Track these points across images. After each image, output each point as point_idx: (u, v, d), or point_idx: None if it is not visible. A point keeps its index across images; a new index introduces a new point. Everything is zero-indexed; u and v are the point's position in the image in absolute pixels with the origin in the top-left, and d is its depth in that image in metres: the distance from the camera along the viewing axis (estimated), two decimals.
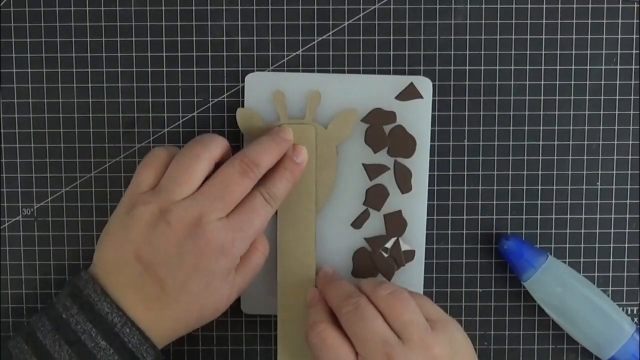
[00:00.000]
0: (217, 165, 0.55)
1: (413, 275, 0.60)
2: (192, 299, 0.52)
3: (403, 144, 0.59)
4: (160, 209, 0.52)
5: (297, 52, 0.60)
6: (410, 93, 0.59)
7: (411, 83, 0.59)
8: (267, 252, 0.57)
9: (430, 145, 0.60)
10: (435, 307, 0.54)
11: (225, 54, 0.60)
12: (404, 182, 0.59)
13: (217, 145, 0.55)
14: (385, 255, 0.60)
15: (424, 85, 0.59)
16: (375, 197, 0.59)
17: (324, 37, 0.60)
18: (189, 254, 0.52)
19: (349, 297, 0.53)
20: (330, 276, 0.58)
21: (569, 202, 0.61)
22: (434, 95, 0.60)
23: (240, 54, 0.60)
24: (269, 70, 0.60)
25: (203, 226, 0.52)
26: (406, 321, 0.52)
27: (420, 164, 0.59)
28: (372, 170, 0.59)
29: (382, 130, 0.59)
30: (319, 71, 0.60)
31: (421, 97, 0.59)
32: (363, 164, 0.59)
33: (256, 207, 0.54)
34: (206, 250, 0.52)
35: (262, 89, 0.59)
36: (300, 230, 0.59)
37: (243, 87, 0.60)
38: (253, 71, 0.60)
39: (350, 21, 0.60)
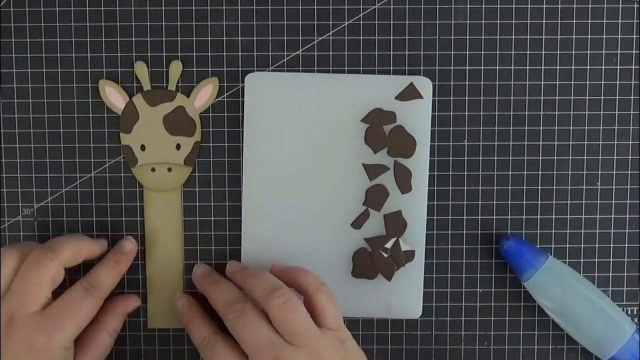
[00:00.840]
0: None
1: (413, 275, 0.60)
2: None
3: (403, 144, 0.59)
4: (7, 318, 0.53)
5: (297, 52, 0.60)
6: (410, 93, 0.59)
7: (411, 83, 0.59)
8: (115, 329, 0.58)
9: (431, 145, 0.60)
10: (335, 315, 0.55)
11: (225, 54, 0.60)
12: (404, 182, 0.59)
13: (66, 249, 0.56)
14: (385, 255, 0.60)
15: (424, 85, 0.59)
16: (375, 197, 0.59)
17: (324, 37, 0.60)
18: (7, 355, 0.53)
19: (235, 302, 0.55)
20: (210, 276, 0.59)
21: (569, 202, 0.61)
22: (434, 95, 0.60)
23: (240, 54, 0.60)
24: (269, 70, 0.60)
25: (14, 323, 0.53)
26: (296, 328, 0.53)
27: (420, 164, 0.59)
28: (372, 171, 0.59)
29: (382, 131, 0.59)
30: (319, 71, 0.60)
31: (421, 97, 0.59)
32: (363, 164, 0.59)
33: (75, 298, 0.55)
34: (21, 351, 0.53)
35: (262, 89, 0.59)
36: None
37: (243, 87, 0.59)
38: (253, 71, 0.60)
39: (350, 21, 0.60)
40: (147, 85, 0.60)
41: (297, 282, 0.56)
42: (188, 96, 0.60)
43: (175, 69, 0.59)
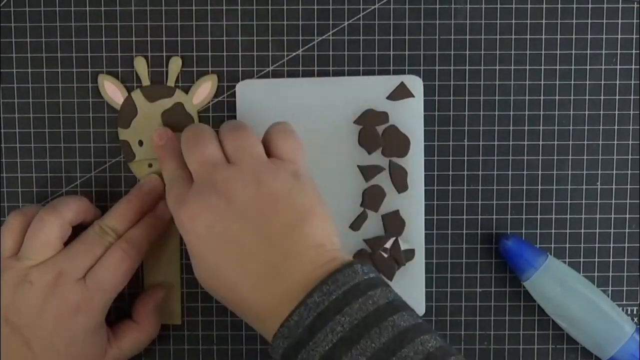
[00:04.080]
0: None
1: (414, 273, 0.60)
2: (59, 358, 0.53)
3: (397, 143, 0.59)
4: (22, 272, 0.53)
5: (297, 52, 0.60)
6: (401, 92, 0.59)
7: (402, 82, 0.59)
8: (153, 331, 0.58)
9: (430, 145, 0.60)
10: (289, 146, 0.53)
11: (225, 54, 0.60)
12: (400, 181, 0.59)
13: (68, 208, 0.55)
14: (385, 255, 0.60)
15: (415, 83, 0.59)
16: (372, 198, 0.59)
17: (324, 37, 0.60)
18: (48, 313, 0.52)
19: (190, 127, 0.54)
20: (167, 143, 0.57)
21: (569, 202, 0.61)
22: (433, 96, 0.60)
23: (240, 54, 0.60)
24: (269, 70, 0.60)
25: (60, 285, 0.52)
26: (241, 146, 0.51)
27: (415, 162, 0.59)
28: (368, 172, 0.59)
29: (375, 131, 0.59)
30: (319, 71, 0.60)
31: (412, 95, 0.59)
32: (358, 166, 0.59)
33: (114, 263, 0.54)
34: (64, 309, 0.52)
35: (253, 97, 0.59)
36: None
37: None
38: (253, 71, 0.60)
39: (350, 21, 0.60)
40: (146, 81, 0.60)
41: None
42: (187, 93, 0.60)
43: (175, 65, 0.59)
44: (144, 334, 0.58)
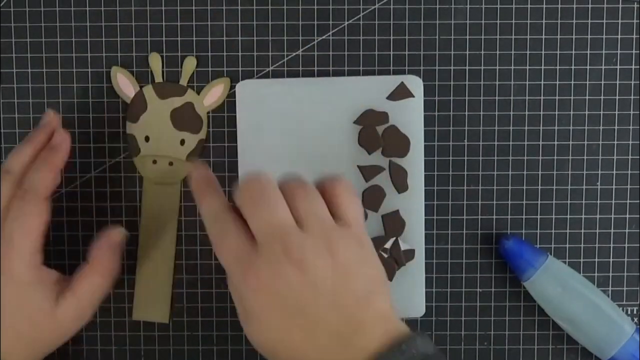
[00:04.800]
0: None
1: (414, 273, 0.60)
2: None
3: (397, 143, 0.59)
4: None
5: (297, 52, 0.60)
6: (401, 92, 0.59)
7: (402, 82, 0.59)
8: (106, 268, 0.55)
9: (430, 145, 0.60)
10: (356, 210, 0.51)
11: (225, 54, 0.60)
12: (400, 181, 0.59)
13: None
14: (386, 255, 0.60)
15: (415, 83, 0.59)
16: (372, 198, 0.59)
17: (324, 37, 0.60)
18: None
19: (252, 180, 0.50)
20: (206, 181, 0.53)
21: (568, 202, 0.61)
22: (433, 96, 0.60)
23: (240, 54, 0.60)
24: (269, 70, 0.60)
25: None
26: (309, 211, 0.48)
27: (415, 162, 0.59)
28: (368, 172, 0.59)
29: (375, 131, 0.59)
30: (319, 71, 0.60)
31: (412, 95, 0.59)
32: (358, 166, 0.59)
33: (14, 209, 0.53)
34: None
35: (253, 97, 0.59)
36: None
37: None
38: (253, 71, 0.60)
39: (350, 21, 0.60)
40: (159, 77, 0.60)
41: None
42: (199, 93, 0.60)
43: (189, 64, 0.60)
44: (99, 276, 0.54)
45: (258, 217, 0.48)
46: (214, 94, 0.60)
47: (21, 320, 0.52)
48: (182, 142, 0.60)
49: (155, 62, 0.60)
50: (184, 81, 0.60)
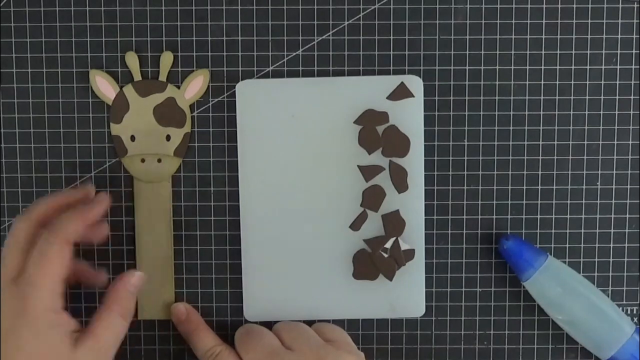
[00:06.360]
0: None
1: (414, 274, 0.60)
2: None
3: (397, 143, 0.59)
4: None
5: (297, 52, 0.60)
6: (401, 92, 0.59)
7: (402, 82, 0.59)
8: (124, 309, 0.55)
9: (430, 146, 0.60)
10: (342, 333, 0.58)
11: (225, 54, 0.60)
12: (400, 181, 0.59)
13: (73, 230, 0.54)
14: (385, 255, 0.60)
15: (415, 83, 0.59)
16: (372, 198, 0.59)
17: (324, 37, 0.60)
18: None
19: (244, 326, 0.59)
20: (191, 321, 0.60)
21: (569, 202, 0.61)
22: (433, 96, 0.60)
23: (240, 54, 0.60)
24: (269, 70, 0.60)
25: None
26: (295, 335, 0.56)
27: (415, 162, 0.59)
28: (368, 172, 0.59)
29: (375, 131, 0.59)
30: (319, 71, 0.60)
31: (412, 95, 0.59)
32: (358, 166, 0.59)
33: (40, 253, 0.52)
34: (7, 319, 0.51)
35: (253, 97, 0.59)
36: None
37: None
38: (253, 71, 0.60)
39: (350, 21, 0.60)
40: (137, 76, 0.60)
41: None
42: (179, 88, 0.60)
43: (167, 59, 0.60)
44: (118, 317, 0.54)
45: (251, 350, 0.55)
46: (194, 86, 0.60)
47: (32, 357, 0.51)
48: (168, 137, 0.60)
49: (132, 60, 0.60)
50: (163, 77, 0.60)
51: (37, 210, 0.55)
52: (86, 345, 0.52)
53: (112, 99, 0.60)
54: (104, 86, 0.60)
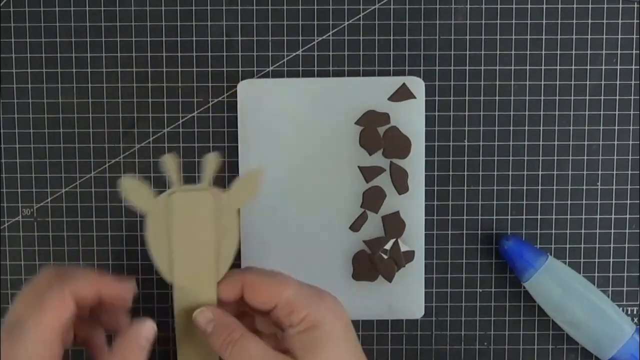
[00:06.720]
0: None
1: (414, 275, 0.60)
2: None
3: (398, 144, 0.59)
4: None
5: (297, 52, 0.60)
6: (402, 93, 0.59)
7: (403, 84, 0.59)
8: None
9: (430, 146, 0.60)
10: None
11: (225, 54, 0.60)
12: (401, 183, 0.59)
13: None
14: (385, 256, 0.60)
15: (417, 85, 0.59)
16: (372, 199, 0.59)
17: (324, 37, 0.60)
18: None
19: None
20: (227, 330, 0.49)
21: (569, 202, 0.61)
22: (434, 96, 0.60)
23: (240, 54, 0.60)
24: (269, 70, 0.60)
25: None
26: None
27: (416, 164, 0.59)
28: (368, 173, 0.59)
29: (376, 132, 0.59)
30: (319, 71, 0.60)
31: (414, 97, 0.59)
32: (359, 167, 0.59)
33: (41, 296, 0.48)
34: None
35: (254, 97, 0.59)
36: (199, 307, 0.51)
37: None
38: (253, 71, 0.60)
39: (350, 21, 0.60)
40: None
41: None
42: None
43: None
44: None
45: None
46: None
47: None
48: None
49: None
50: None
51: (68, 272, 0.50)
52: None
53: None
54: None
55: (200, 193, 0.49)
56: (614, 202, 0.61)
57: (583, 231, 0.61)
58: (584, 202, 0.61)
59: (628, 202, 0.61)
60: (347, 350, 0.48)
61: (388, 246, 0.60)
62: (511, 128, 0.60)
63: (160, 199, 0.49)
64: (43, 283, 0.49)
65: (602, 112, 0.60)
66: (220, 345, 0.48)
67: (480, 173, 0.60)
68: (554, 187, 0.61)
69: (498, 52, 0.60)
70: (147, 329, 0.49)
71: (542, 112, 0.60)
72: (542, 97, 0.60)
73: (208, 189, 0.49)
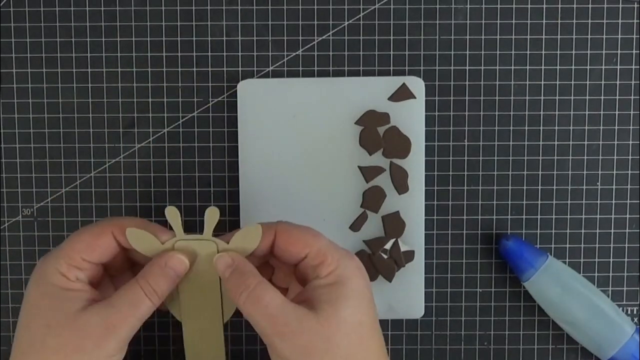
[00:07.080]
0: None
1: (413, 275, 0.60)
2: None
3: (398, 144, 0.59)
4: None
5: (297, 52, 0.60)
6: (403, 93, 0.59)
7: (403, 84, 0.59)
8: (159, 298, 0.49)
9: (430, 146, 0.60)
10: None
11: (225, 54, 0.60)
12: (401, 183, 0.59)
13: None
14: (385, 256, 0.60)
15: (417, 85, 0.59)
16: (372, 199, 0.59)
17: (324, 37, 0.60)
18: None
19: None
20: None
21: (569, 202, 0.61)
22: (434, 96, 0.60)
23: (240, 54, 0.60)
24: (269, 70, 0.60)
25: None
26: None
27: (416, 164, 0.59)
28: (368, 173, 0.59)
29: (376, 132, 0.59)
30: (319, 71, 0.60)
31: (414, 97, 0.59)
32: (359, 167, 0.59)
33: (85, 227, 0.50)
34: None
35: (254, 97, 0.59)
36: (207, 346, 0.53)
37: None
38: (253, 71, 0.60)
39: (350, 21, 0.60)
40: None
41: None
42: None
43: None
44: (138, 290, 0.49)
45: None
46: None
47: (38, 320, 0.48)
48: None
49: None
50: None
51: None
52: (95, 310, 0.47)
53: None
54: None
55: (204, 242, 0.51)
56: (614, 202, 0.61)
57: (583, 231, 0.61)
58: (584, 202, 0.61)
59: (628, 202, 0.61)
60: (368, 309, 0.49)
61: (388, 246, 0.60)
62: (511, 128, 0.60)
63: (166, 245, 0.51)
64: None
65: (602, 112, 0.60)
66: (236, 290, 0.48)
67: (480, 173, 0.60)
68: (554, 187, 0.61)
69: (498, 52, 0.60)
70: (175, 260, 0.50)
71: (542, 112, 0.60)
72: (542, 97, 0.60)
73: (210, 238, 0.51)
